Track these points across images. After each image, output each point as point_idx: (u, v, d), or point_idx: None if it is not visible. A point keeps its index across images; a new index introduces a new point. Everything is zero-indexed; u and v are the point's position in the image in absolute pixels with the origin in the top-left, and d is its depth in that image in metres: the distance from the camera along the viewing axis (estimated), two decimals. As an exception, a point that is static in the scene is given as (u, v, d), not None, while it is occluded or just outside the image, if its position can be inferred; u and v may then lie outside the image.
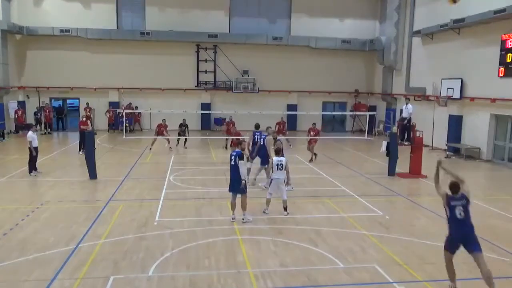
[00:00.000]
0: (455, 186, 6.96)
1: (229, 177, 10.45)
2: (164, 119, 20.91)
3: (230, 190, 10.45)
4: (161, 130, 20.62)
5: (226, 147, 21.49)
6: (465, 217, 6.78)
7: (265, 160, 13.83)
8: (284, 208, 11.02)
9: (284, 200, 11.04)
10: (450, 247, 6.92)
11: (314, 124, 19.08)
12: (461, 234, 6.80)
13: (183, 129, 21.43)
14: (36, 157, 15.16)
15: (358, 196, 13.06)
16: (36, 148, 15.10)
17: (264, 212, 10.99)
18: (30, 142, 14.91)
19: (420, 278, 7.54)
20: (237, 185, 10.20)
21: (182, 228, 9.91)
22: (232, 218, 10.39)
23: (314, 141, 18.50)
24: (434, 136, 22.35)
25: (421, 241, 9.35)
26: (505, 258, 8.54)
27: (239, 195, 10.36)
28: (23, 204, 11.59)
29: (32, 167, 15.10)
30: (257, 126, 14.89)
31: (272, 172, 11.07)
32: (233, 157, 10.24)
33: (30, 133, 15.21)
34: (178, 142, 21.84)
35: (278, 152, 11.28)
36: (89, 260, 8.00)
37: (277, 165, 10.91)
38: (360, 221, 10.67)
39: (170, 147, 20.95)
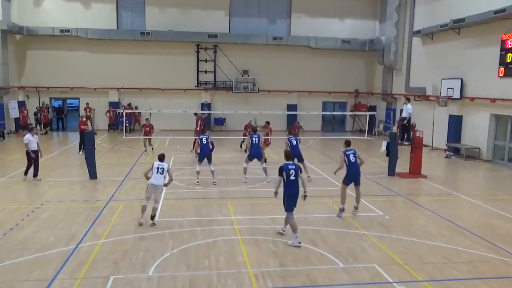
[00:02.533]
0: (348, 143, 11.29)
1: (286, 191, 9.06)
2: (148, 118, 20.57)
3: (291, 209, 9.02)
4: (146, 130, 20.11)
5: (241, 146, 21.03)
6: (355, 161, 10.89)
7: (300, 159, 14.40)
8: (151, 216, 10.00)
9: (154, 207, 10.07)
10: (348, 182, 11.05)
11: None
12: (356, 172, 10.98)
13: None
14: (36, 160, 14.36)
15: (358, 196, 13.05)
16: (35, 152, 14.34)
17: (139, 223, 9.99)
18: (26, 145, 14.16)
19: (420, 278, 7.55)
20: (296, 201, 9.12)
21: (182, 228, 9.92)
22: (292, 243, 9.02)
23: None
24: (434, 136, 22.35)
25: (421, 241, 9.36)
26: (505, 258, 8.53)
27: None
28: (23, 204, 11.59)
29: (28, 170, 14.28)
30: (254, 130, 15.20)
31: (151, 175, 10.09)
32: (293, 171, 9.03)
33: (27, 136, 14.35)
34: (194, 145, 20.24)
35: (162, 158, 10.33)
36: (89, 260, 8.00)
37: (158, 168, 10.03)
38: (360, 221, 10.68)
39: (152, 148, 20.39)
